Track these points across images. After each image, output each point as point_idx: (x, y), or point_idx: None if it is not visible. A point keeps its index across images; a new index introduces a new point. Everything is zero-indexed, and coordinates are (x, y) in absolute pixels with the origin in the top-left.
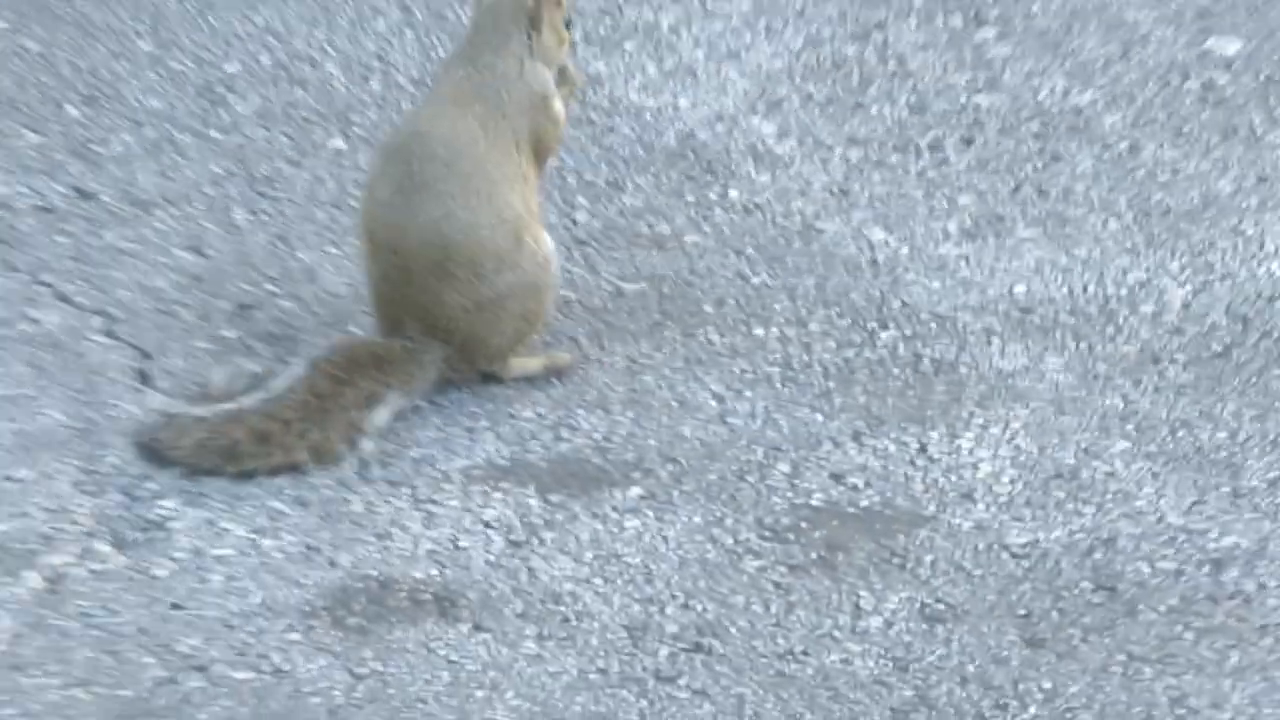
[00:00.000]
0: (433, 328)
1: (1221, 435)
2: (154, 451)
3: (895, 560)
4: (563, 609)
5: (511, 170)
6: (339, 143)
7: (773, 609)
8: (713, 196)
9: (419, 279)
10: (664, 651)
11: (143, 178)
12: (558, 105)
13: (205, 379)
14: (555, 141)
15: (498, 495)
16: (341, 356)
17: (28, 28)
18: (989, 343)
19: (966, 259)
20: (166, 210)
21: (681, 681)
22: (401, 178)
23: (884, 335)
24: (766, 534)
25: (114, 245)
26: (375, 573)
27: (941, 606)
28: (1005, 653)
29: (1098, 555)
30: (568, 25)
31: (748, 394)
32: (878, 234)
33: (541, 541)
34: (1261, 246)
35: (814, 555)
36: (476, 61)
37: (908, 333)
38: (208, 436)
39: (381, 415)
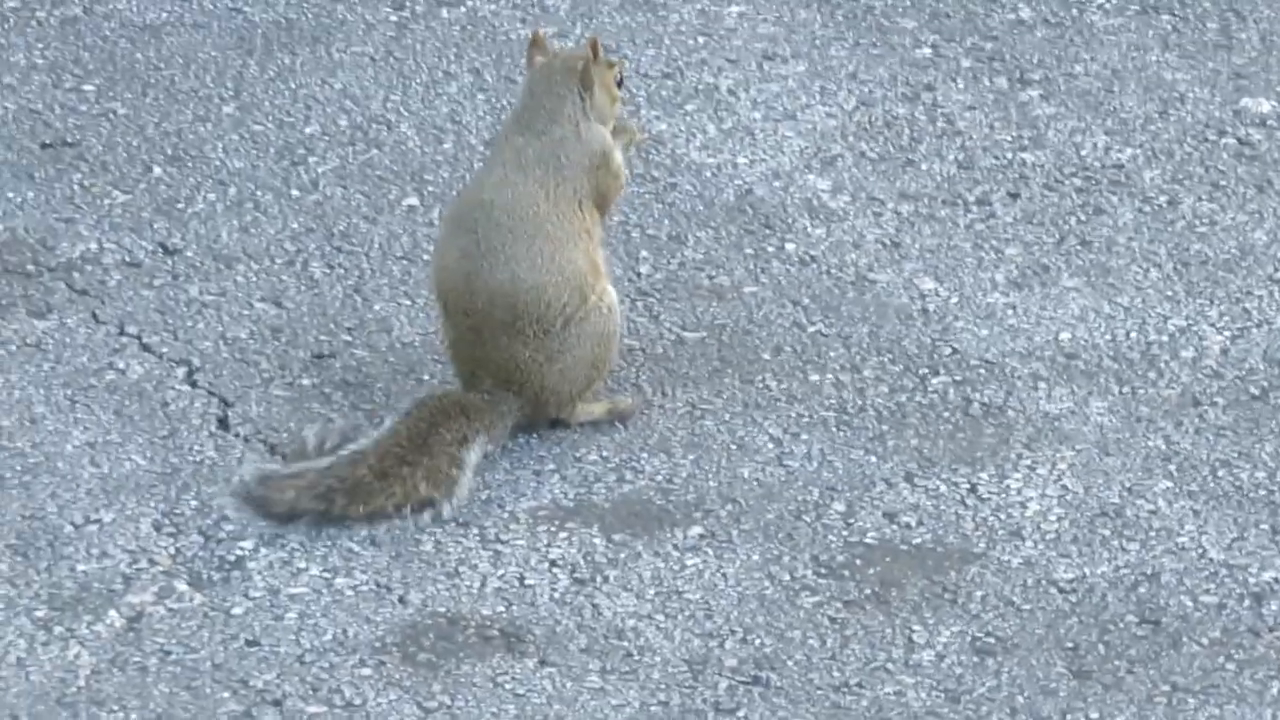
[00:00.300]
0: (507, 381)
1: (1260, 475)
2: (278, 513)
3: (947, 595)
4: (625, 644)
5: (574, 227)
6: (413, 200)
7: (828, 643)
8: (770, 249)
9: (490, 338)
10: (723, 684)
11: (225, 234)
12: (618, 158)
13: (299, 438)
14: (618, 194)
15: (563, 535)
16: (427, 409)
17: (116, 92)
18: (1036, 387)
19: (1014, 307)
20: (247, 264)
21: (740, 714)
22: (468, 245)
23: (935, 381)
24: (822, 571)
25: (197, 298)
26: (444, 610)
27: (992, 640)
28: (1053, 684)
29: (1142, 590)
30: (619, 84)
31: (804, 437)
32: (928, 284)
33: (605, 579)
34: None
35: (868, 591)
36: (533, 128)
37: (958, 378)
38: (336, 481)
39: (474, 454)
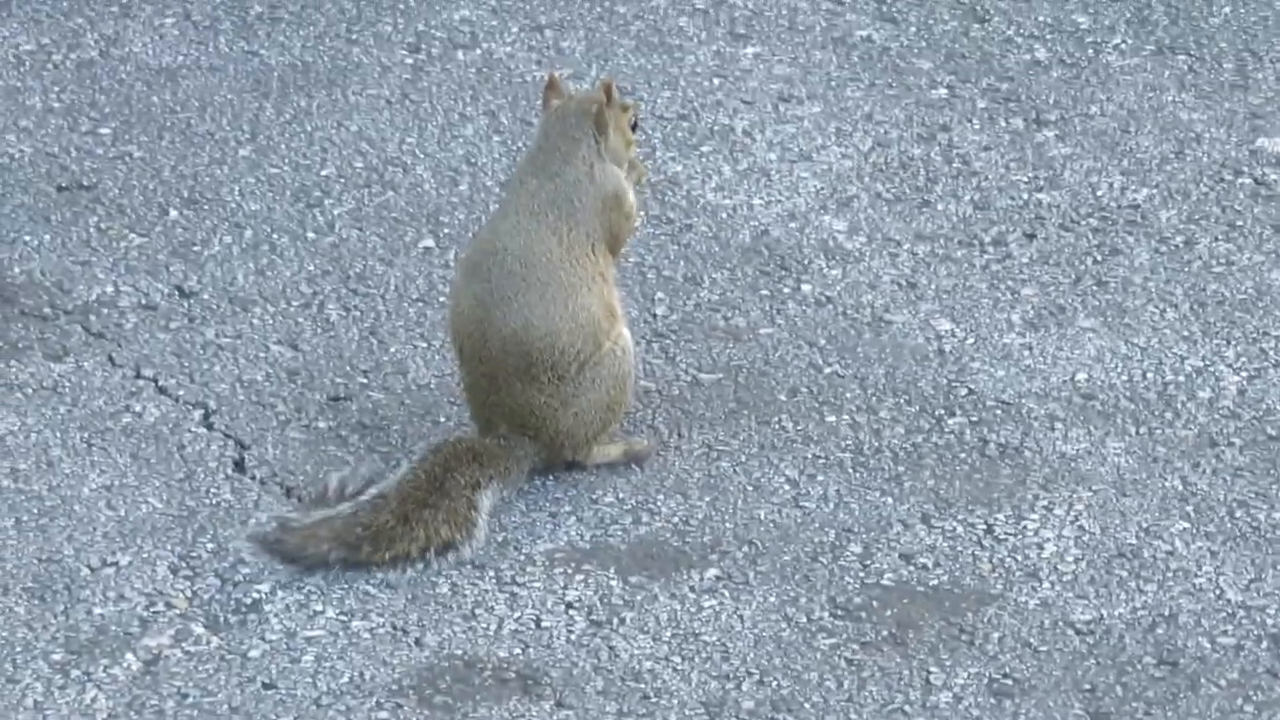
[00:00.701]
0: (522, 426)
1: (1277, 515)
2: (304, 561)
3: (964, 637)
4: (642, 686)
5: (588, 272)
6: (429, 242)
7: (845, 685)
8: (786, 290)
9: (505, 384)
10: None
11: (241, 276)
12: (631, 199)
13: (320, 483)
14: (630, 235)
15: (579, 577)
16: (441, 455)
17: (132, 135)
18: (1052, 428)
19: (1030, 348)
20: (264, 307)
21: None
22: (481, 292)
23: (951, 421)
24: (839, 613)
25: (213, 341)
26: (461, 652)
27: (1009, 682)
28: None
29: (1160, 631)
30: (634, 126)
31: (820, 478)
32: (944, 325)
33: (622, 621)
34: None
35: (885, 633)
36: (547, 169)
37: (974, 419)
38: (362, 528)
39: (487, 499)
